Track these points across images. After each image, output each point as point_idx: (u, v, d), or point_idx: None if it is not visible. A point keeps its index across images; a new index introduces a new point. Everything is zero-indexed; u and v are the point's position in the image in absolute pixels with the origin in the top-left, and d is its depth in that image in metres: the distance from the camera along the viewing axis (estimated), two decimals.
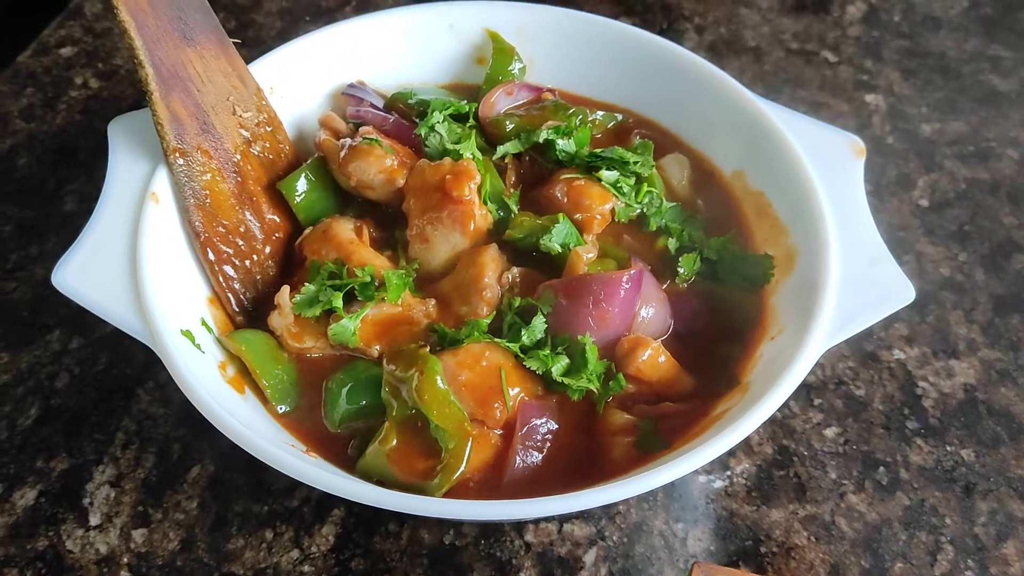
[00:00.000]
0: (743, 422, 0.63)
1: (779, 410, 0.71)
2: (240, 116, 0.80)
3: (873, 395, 0.84)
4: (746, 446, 0.79)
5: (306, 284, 0.75)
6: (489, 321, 0.72)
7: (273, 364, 0.73)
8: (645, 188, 0.80)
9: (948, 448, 0.81)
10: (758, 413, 0.64)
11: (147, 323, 0.67)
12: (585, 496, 0.60)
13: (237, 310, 0.77)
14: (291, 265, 0.81)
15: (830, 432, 0.81)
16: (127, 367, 0.84)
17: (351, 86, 0.89)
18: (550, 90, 0.90)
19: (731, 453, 0.78)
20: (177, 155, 0.75)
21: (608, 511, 0.75)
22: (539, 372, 0.70)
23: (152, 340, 0.67)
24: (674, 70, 0.87)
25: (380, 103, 0.88)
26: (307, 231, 0.80)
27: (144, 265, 0.70)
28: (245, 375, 0.73)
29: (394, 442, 0.67)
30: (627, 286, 0.71)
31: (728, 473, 0.78)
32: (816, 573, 0.74)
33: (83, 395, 0.82)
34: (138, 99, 1.05)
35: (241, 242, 0.78)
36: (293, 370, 0.74)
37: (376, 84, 0.90)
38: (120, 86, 1.10)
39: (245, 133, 0.80)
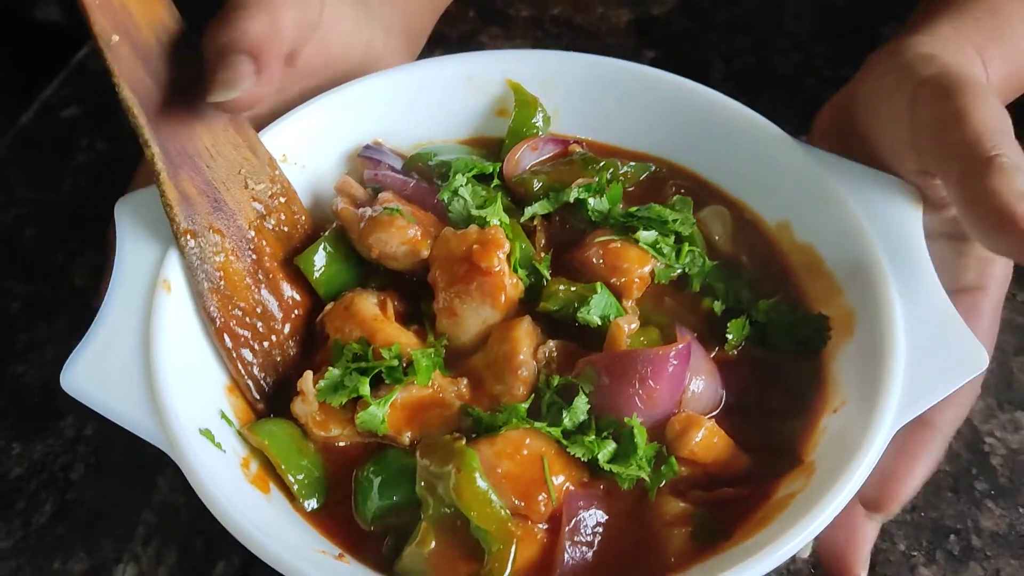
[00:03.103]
0: (816, 515, 0.58)
1: None
2: (253, 189, 0.76)
3: None
4: None
5: (330, 368, 0.70)
6: (527, 405, 0.67)
7: (299, 457, 0.68)
8: (687, 248, 0.75)
9: (1021, 510, 0.76)
10: (832, 503, 0.59)
11: (163, 426, 0.63)
12: None
13: (258, 397, 0.72)
14: (312, 343, 0.77)
15: None
16: (144, 454, 0.78)
17: (367, 148, 0.84)
18: (577, 141, 0.85)
19: None
20: (188, 237, 0.70)
21: None
22: (585, 460, 0.65)
23: (169, 446, 0.62)
24: (708, 115, 0.83)
25: (399, 164, 0.84)
26: (328, 307, 0.75)
27: (158, 360, 0.65)
28: (270, 470, 0.68)
29: (432, 544, 0.62)
30: (675, 363, 0.66)
31: None
32: None
33: (100, 486, 0.77)
34: None
35: (259, 323, 0.74)
36: (320, 462, 0.69)
37: (393, 143, 0.86)
38: (130, 146, 1.05)
39: (259, 207, 0.76)
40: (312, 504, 0.68)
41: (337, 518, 0.67)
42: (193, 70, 0.72)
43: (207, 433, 0.65)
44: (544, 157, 0.83)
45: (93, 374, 0.65)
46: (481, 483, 0.62)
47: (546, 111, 0.86)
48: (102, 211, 0.95)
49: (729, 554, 0.61)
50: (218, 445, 0.66)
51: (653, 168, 0.84)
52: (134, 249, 0.71)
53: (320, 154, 0.83)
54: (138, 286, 0.69)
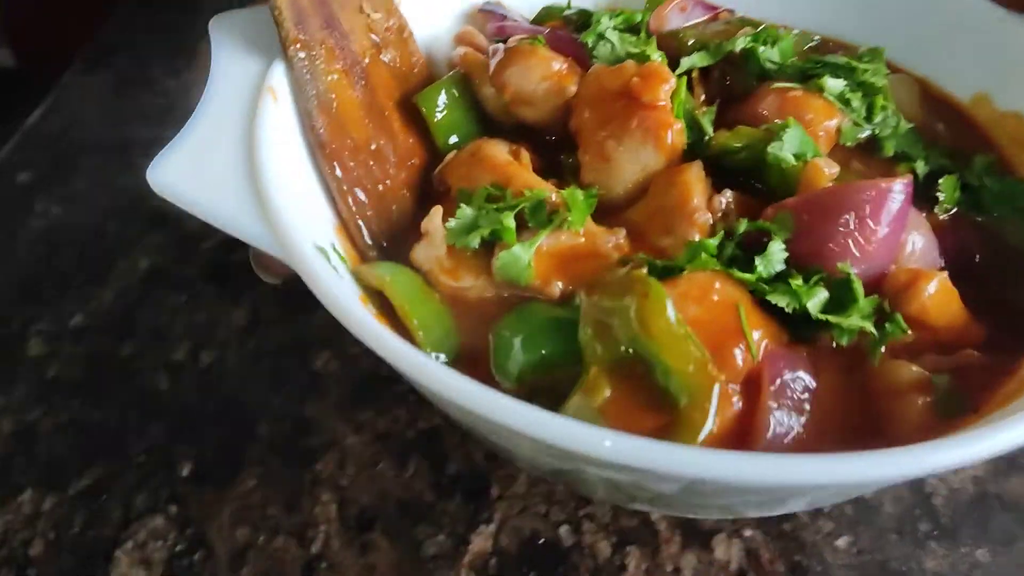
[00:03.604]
0: None
1: (787, 520, 0.62)
2: (369, 16, 0.64)
3: (882, 498, 0.66)
4: (756, 564, 0.61)
5: (461, 207, 0.57)
6: (716, 243, 0.55)
7: (425, 303, 0.55)
8: (880, 102, 0.64)
9: (962, 550, 0.64)
10: None
11: (277, 231, 0.50)
12: (920, 455, 0.41)
13: (370, 242, 0.60)
14: (428, 200, 0.64)
15: (842, 542, 0.64)
16: (104, 527, 0.67)
17: (488, 2, 0.73)
18: (728, 10, 0.74)
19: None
20: (299, 47, 0.58)
21: None
22: (789, 309, 0.52)
23: (284, 251, 0.49)
24: None
25: (524, 21, 0.73)
26: (450, 156, 0.63)
27: (266, 167, 0.53)
28: (389, 315, 0.55)
29: (607, 392, 0.49)
30: (900, 196, 0.53)
31: None
32: None
33: (60, 562, 0.65)
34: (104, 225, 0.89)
35: (372, 163, 0.61)
36: (448, 313, 0.56)
37: (514, 4, 0.75)
38: (85, 213, 0.93)
39: (375, 37, 0.64)
40: (441, 357, 0.54)
41: (472, 376, 0.53)
42: None
43: (323, 251, 0.52)
44: (693, 21, 0.72)
45: (189, 172, 0.53)
46: (672, 313, 0.49)
47: None
48: (58, 278, 0.85)
49: (977, 430, 0.47)
50: (334, 268, 0.52)
51: (817, 40, 0.73)
52: (233, 60, 0.59)
53: (433, 6, 0.72)
54: (239, 92, 0.57)
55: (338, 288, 0.48)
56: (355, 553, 0.64)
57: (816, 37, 0.74)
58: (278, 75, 0.58)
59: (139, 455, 0.68)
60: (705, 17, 0.73)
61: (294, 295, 0.75)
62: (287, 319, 0.78)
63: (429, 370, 0.44)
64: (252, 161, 0.53)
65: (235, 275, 0.82)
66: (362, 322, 0.46)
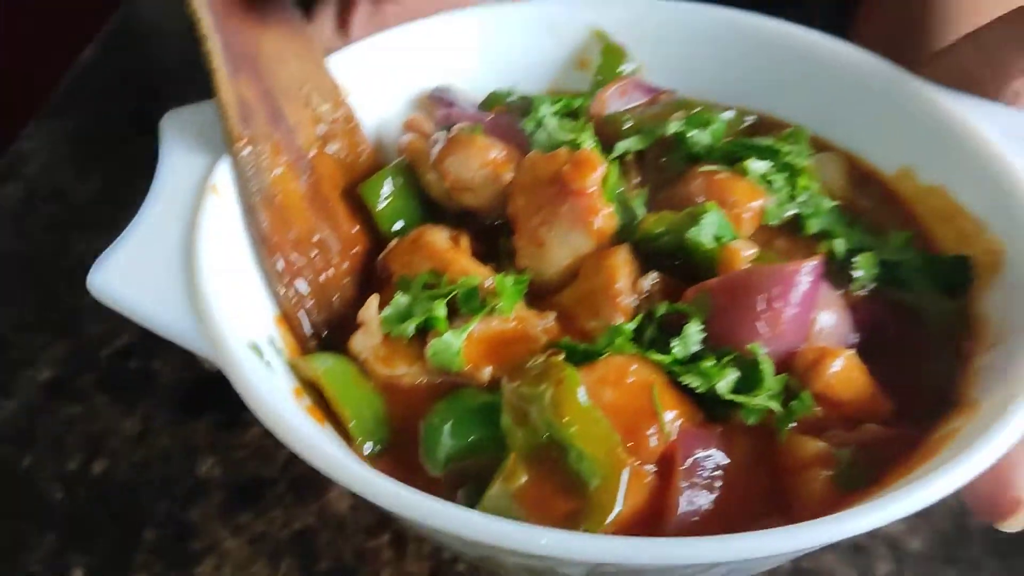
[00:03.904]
0: (987, 442, 0.48)
1: None
2: (316, 109, 0.68)
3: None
4: None
5: (397, 295, 0.60)
6: (634, 327, 0.57)
7: (357, 393, 0.58)
8: (802, 183, 0.67)
9: None
10: (1005, 432, 0.48)
11: (208, 330, 0.53)
12: (813, 529, 0.44)
13: (311, 332, 0.63)
14: (371, 286, 0.67)
15: None
16: None
17: (437, 88, 0.77)
18: (668, 91, 0.78)
19: None
20: (243, 143, 0.62)
21: None
22: (700, 390, 0.55)
23: (214, 350, 0.52)
24: (811, 61, 0.76)
25: (472, 107, 0.76)
26: (393, 243, 0.67)
27: (203, 266, 0.56)
28: (322, 407, 0.58)
29: (523, 479, 0.51)
30: (808, 278, 0.56)
31: None
32: None
33: None
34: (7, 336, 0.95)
35: (315, 253, 0.65)
36: (381, 402, 0.59)
37: (463, 90, 0.78)
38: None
39: (321, 127, 0.68)
40: (371, 447, 0.57)
41: (401, 463, 0.57)
42: None
43: (256, 349, 0.55)
44: (633, 104, 0.76)
45: (128, 275, 0.56)
46: (584, 398, 0.51)
47: (633, 61, 0.79)
48: None
49: (879, 498, 0.49)
50: (267, 363, 0.56)
51: (754, 119, 0.77)
52: (180, 157, 0.63)
53: (384, 93, 0.76)
54: (182, 192, 0.61)
55: (263, 389, 0.51)
56: None
57: (752, 116, 0.77)
58: (222, 172, 0.62)
59: (34, 565, 0.73)
60: (644, 100, 0.76)
61: (185, 402, 0.83)
62: (175, 426, 0.84)
63: (348, 471, 0.47)
64: (190, 260, 0.57)
65: (130, 384, 0.88)
66: (279, 416, 0.49)
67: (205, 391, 0.89)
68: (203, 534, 0.76)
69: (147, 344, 0.93)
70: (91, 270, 0.56)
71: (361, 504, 0.77)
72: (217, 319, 0.54)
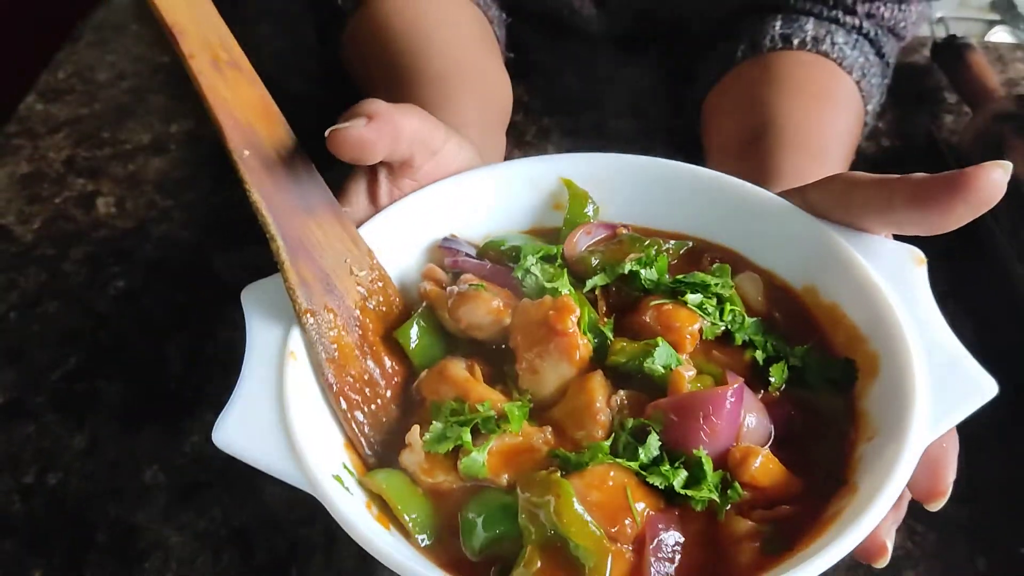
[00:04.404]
0: (863, 522, 0.69)
1: None
2: (356, 275, 0.89)
3: None
4: None
5: (433, 423, 0.81)
6: (609, 444, 0.79)
7: (411, 499, 0.79)
8: (728, 307, 0.88)
9: None
10: (873, 512, 0.70)
11: (305, 472, 0.74)
12: None
13: (369, 452, 0.83)
14: (410, 406, 0.88)
15: None
16: None
17: (446, 239, 0.97)
18: (624, 226, 0.99)
19: None
20: (308, 315, 0.83)
21: None
22: (661, 487, 0.76)
23: (312, 487, 0.73)
24: (736, 200, 0.96)
25: (473, 252, 0.97)
26: (423, 374, 0.87)
27: (293, 419, 0.77)
28: (386, 512, 0.79)
29: (538, 564, 0.73)
30: (732, 399, 0.78)
31: None
32: None
33: None
34: None
35: (367, 389, 0.85)
36: (428, 503, 0.80)
37: (466, 235, 0.99)
38: None
39: (362, 290, 0.89)
40: (425, 540, 0.78)
41: (448, 551, 0.77)
42: (303, 178, 0.86)
43: (338, 479, 0.76)
44: (596, 239, 0.97)
45: (240, 431, 0.76)
46: (578, 507, 0.73)
47: (595, 203, 1.00)
48: None
49: (792, 561, 0.71)
50: (347, 489, 0.76)
51: (691, 244, 0.98)
52: (262, 327, 0.83)
53: (405, 247, 0.96)
54: (269, 357, 0.81)
55: (350, 515, 0.72)
56: None
57: (690, 241, 0.98)
58: (295, 339, 0.82)
59: None
60: (605, 235, 0.97)
61: (129, 417, 1.00)
62: (120, 439, 1.02)
63: (405, 566, 0.68)
64: (283, 415, 0.77)
65: (77, 403, 1.06)
66: (363, 535, 0.70)
67: (147, 406, 1.08)
68: (149, 533, 0.93)
69: (91, 366, 1.12)
70: (214, 428, 0.76)
71: (294, 500, 0.94)
72: (308, 460, 0.75)
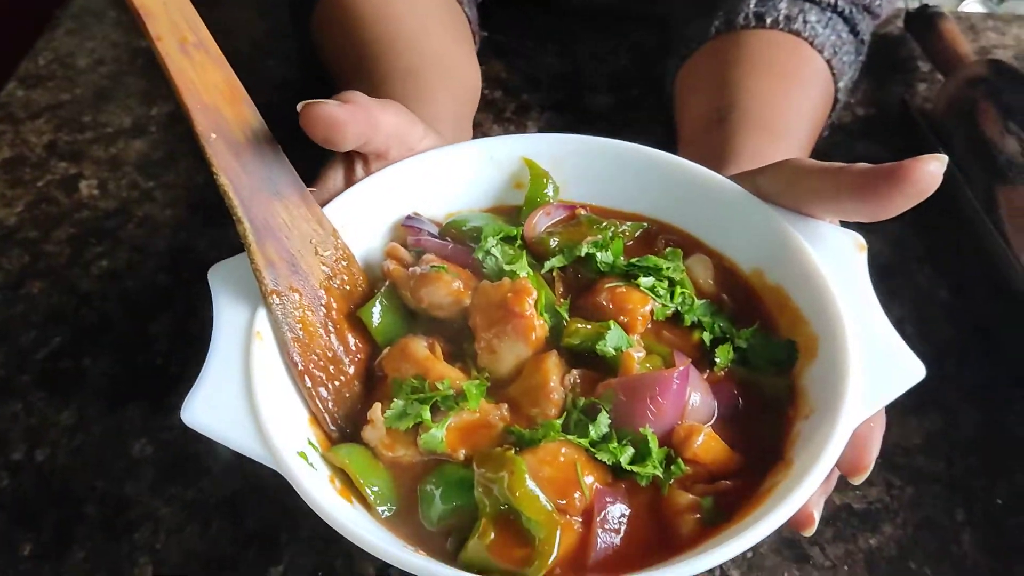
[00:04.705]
0: (795, 495, 0.74)
1: None
2: (321, 255, 0.91)
3: None
4: None
5: (394, 400, 0.85)
6: (561, 421, 0.83)
7: (373, 473, 0.83)
8: (679, 290, 0.92)
9: None
10: (805, 487, 0.75)
11: (270, 450, 0.77)
12: (684, 565, 0.71)
13: (333, 428, 0.87)
14: (371, 382, 0.92)
15: None
16: None
17: (408, 218, 1.00)
18: (582, 206, 1.02)
19: None
20: (274, 296, 0.86)
21: None
22: (609, 463, 0.81)
23: (277, 464, 0.77)
24: (689, 183, 1.00)
25: (436, 231, 1.00)
26: (386, 351, 0.91)
27: (259, 397, 0.80)
28: (349, 486, 0.83)
29: (492, 535, 0.77)
30: (678, 382, 0.82)
31: None
32: None
33: None
34: None
35: (331, 367, 0.89)
36: (389, 476, 0.84)
37: (428, 213, 1.02)
38: None
39: (326, 269, 0.92)
40: (385, 512, 0.82)
41: (408, 522, 0.82)
42: (271, 161, 0.89)
43: (303, 455, 0.80)
44: (555, 220, 1.00)
45: (207, 410, 0.79)
46: (530, 483, 0.77)
47: (555, 183, 1.03)
48: None
49: (729, 531, 0.76)
50: (311, 465, 0.80)
51: (646, 226, 1.01)
52: (229, 307, 0.86)
53: (368, 225, 0.99)
54: (236, 337, 0.84)
55: (314, 487, 0.76)
56: None
57: (646, 223, 1.02)
58: (261, 319, 0.85)
59: None
60: (564, 215, 1.00)
61: (115, 394, 1.03)
62: (107, 415, 1.04)
63: (364, 539, 0.72)
64: (249, 393, 0.80)
65: (63, 381, 1.08)
66: (324, 509, 0.74)
67: (133, 382, 1.10)
68: (138, 506, 0.95)
69: (76, 346, 1.14)
70: (183, 407, 0.79)
71: None
72: (273, 438, 0.78)
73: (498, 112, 1.54)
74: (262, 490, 0.99)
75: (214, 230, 1.34)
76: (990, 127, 1.25)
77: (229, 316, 0.86)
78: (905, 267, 1.20)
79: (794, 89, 1.30)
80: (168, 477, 1.01)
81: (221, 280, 0.88)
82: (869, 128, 1.50)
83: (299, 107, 0.85)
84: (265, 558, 0.94)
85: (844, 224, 0.93)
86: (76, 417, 1.06)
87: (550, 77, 1.62)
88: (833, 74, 1.34)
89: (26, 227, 1.35)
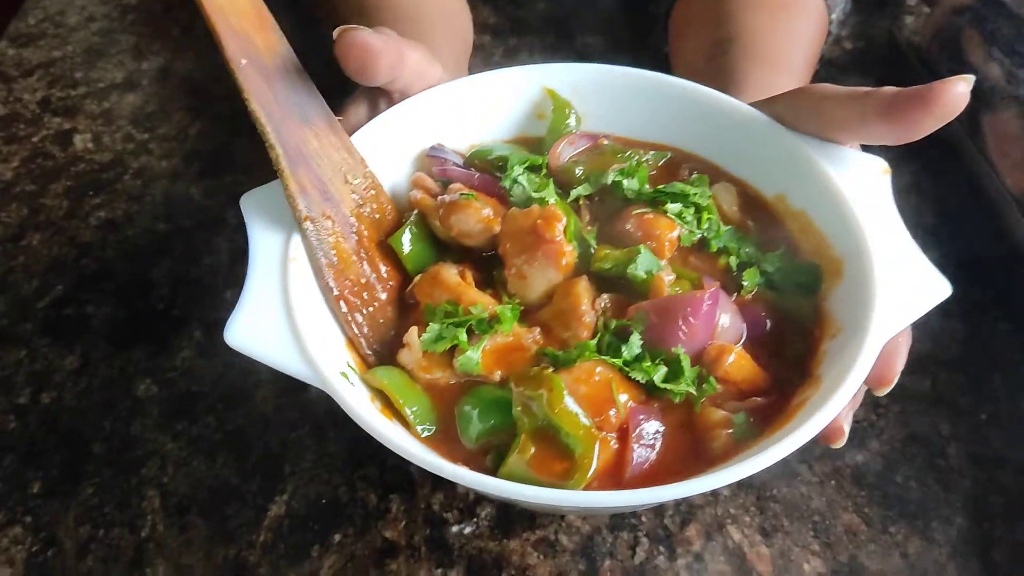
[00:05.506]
0: (826, 409, 0.76)
1: None
2: (351, 183, 0.92)
3: None
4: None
5: (430, 324, 0.86)
6: (595, 342, 0.85)
7: (411, 393, 0.85)
8: (705, 216, 0.93)
9: None
10: (835, 401, 0.76)
11: (314, 369, 0.78)
12: (718, 476, 0.73)
13: (369, 352, 0.89)
14: (404, 309, 0.93)
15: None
16: None
17: (433, 148, 1.01)
18: (605, 136, 1.03)
19: None
20: (308, 222, 0.86)
21: None
22: (643, 381, 0.83)
23: (322, 383, 0.78)
24: (711, 111, 1.00)
25: (460, 161, 1.01)
26: (417, 278, 0.92)
27: (299, 320, 0.81)
28: (388, 407, 0.84)
29: (532, 451, 0.79)
30: (709, 302, 0.84)
31: None
32: None
33: None
34: None
35: (364, 293, 0.90)
36: (427, 398, 0.86)
37: (452, 145, 1.03)
38: None
39: (356, 197, 0.92)
40: (425, 431, 0.84)
41: (447, 441, 0.84)
42: (300, 88, 0.89)
43: (344, 375, 0.81)
44: (579, 150, 1.01)
45: (249, 332, 0.80)
46: (568, 399, 0.79)
47: (577, 113, 1.04)
48: None
49: (761, 446, 0.79)
50: (352, 384, 0.82)
51: (669, 155, 1.02)
52: (263, 233, 0.87)
53: (394, 156, 1.00)
54: (272, 262, 0.85)
55: (359, 405, 0.77)
56: (176, 532, 0.91)
57: (669, 152, 1.03)
58: (296, 244, 0.86)
59: None
60: (588, 145, 1.01)
61: (118, 337, 1.04)
62: (111, 358, 1.06)
63: (411, 451, 0.74)
64: (289, 316, 0.81)
65: (67, 327, 1.09)
66: (373, 425, 0.75)
67: (136, 326, 1.12)
68: (145, 442, 0.98)
69: (78, 293, 1.15)
70: (225, 330, 0.80)
71: (284, 404, 1.01)
72: (316, 358, 0.79)
73: (486, 56, 1.54)
74: (265, 426, 1.01)
75: (210, 180, 1.33)
76: (975, 54, 1.26)
77: (264, 242, 0.86)
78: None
79: (792, 20, 1.30)
80: (173, 415, 1.02)
81: (254, 207, 0.89)
82: (857, 62, 1.51)
83: (335, 34, 0.85)
84: (270, 488, 0.96)
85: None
86: (81, 361, 1.07)
87: (539, 20, 1.62)
88: (827, 4, 1.35)
89: (23, 181, 1.35)
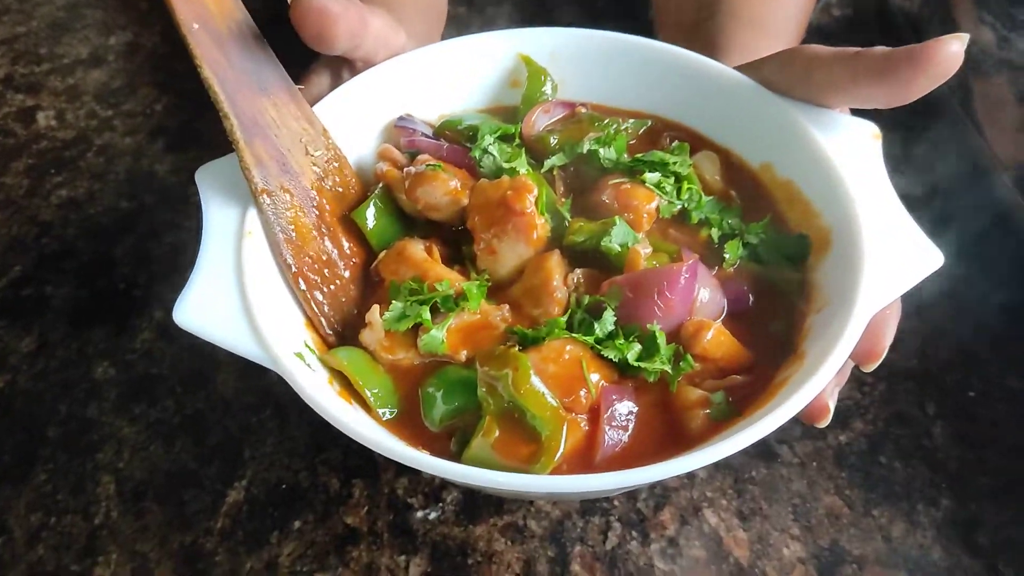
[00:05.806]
0: (808, 386, 0.71)
1: None
2: (312, 155, 0.88)
3: None
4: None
5: (393, 302, 0.82)
6: (566, 319, 0.80)
7: (372, 375, 0.80)
8: (685, 186, 0.89)
9: None
10: (819, 377, 0.72)
11: (267, 350, 0.74)
12: (693, 457, 0.68)
13: (330, 332, 0.84)
14: (368, 287, 0.89)
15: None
16: None
17: (401, 119, 0.96)
18: (582, 104, 0.98)
19: None
20: (265, 195, 0.82)
21: None
22: (615, 360, 0.78)
23: (275, 365, 0.74)
24: (695, 76, 0.95)
25: (429, 132, 0.96)
26: (382, 254, 0.87)
27: (252, 297, 0.77)
28: (348, 388, 0.80)
29: (496, 433, 0.75)
30: (687, 275, 0.79)
31: None
32: None
33: None
34: None
35: (325, 270, 0.86)
36: (389, 379, 0.81)
37: (421, 115, 0.98)
38: None
39: (317, 170, 0.88)
40: (386, 414, 0.80)
41: (409, 424, 0.79)
42: (258, 55, 0.84)
43: (300, 355, 0.77)
44: (555, 119, 0.96)
45: (200, 311, 0.76)
46: (535, 379, 0.74)
47: (553, 80, 0.99)
48: None
49: (740, 426, 0.74)
50: (309, 366, 0.77)
51: (649, 123, 0.98)
52: (218, 206, 0.83)
53: (359, 126, 0.95)
54: (226, 236, 0.81)
55: (313, 387, 0.73)
56: (131, 519, 0.88)
57: (649, 120, 0.98)
58: (252, 219, 0.82)
59: None
60: (564, 114, 0.96)
61: (77, 318, 1.00)
62: (70, 340, 1.02)
63: (366, 435, 0.70)
64: (242, 293, 0.77)
65: (25, 309, 1.06)
66: (325, 407, 0.71)
67: (96, 307, 1.08)
68: (101, 426, 0.94)
69: (38, 273, 1.12)
70: (173, 309, 0.76)
71: (245, 387, 0.97)
72: (268, 337, 0.75)
73: (461, 27, 1.49)
74: (225, 409, 0.97)
75: (175, 155, 1.30)
76: (966, 18, 1.21)
77: (218, 217, 0.82)
78: None
79: None
80: (131, 398, 0.99)
81: (209, 181, 0.85)
82: (846, 29, 1.45)
83: (290, 1, 0.81)
84: (229, 473, 0.92)
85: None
86: (38, 343, 1.04)
87: None
88: None
89: None
